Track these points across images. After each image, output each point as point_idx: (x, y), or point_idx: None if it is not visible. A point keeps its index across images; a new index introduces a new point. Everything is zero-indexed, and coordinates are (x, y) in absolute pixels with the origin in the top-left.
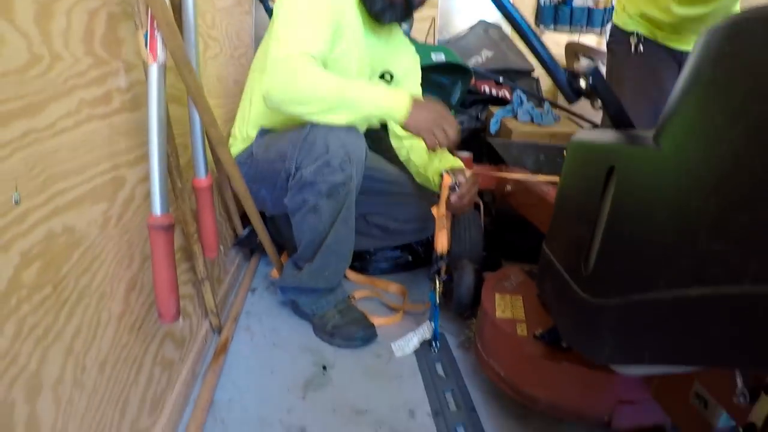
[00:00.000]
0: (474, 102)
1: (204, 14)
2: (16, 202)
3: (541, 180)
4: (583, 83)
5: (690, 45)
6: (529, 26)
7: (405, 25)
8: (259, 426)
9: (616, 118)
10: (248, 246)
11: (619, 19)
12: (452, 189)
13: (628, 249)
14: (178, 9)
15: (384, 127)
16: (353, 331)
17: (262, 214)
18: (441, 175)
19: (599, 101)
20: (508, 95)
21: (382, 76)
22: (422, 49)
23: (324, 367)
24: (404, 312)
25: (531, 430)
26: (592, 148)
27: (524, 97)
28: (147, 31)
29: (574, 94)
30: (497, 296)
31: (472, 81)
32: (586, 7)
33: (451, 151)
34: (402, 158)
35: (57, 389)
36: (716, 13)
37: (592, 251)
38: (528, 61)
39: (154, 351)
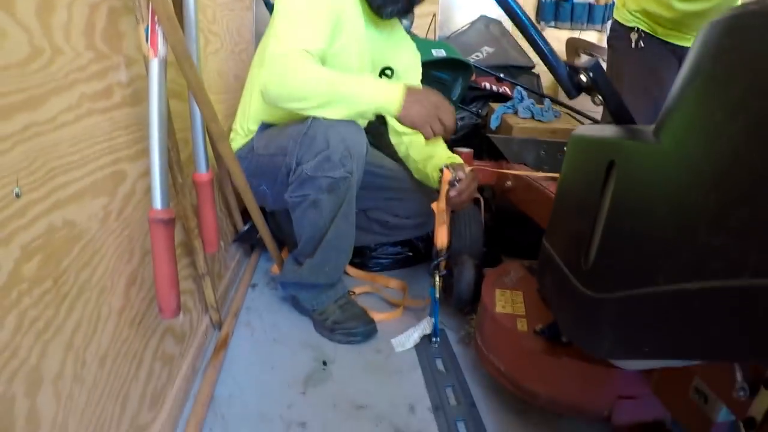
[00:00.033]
0: (474, 98)
1: (205, 9)
2: (17, 196)
3: (541, 176)
4: (583, 78)
5: (691, 41)
6: (530, 21)
7: (405, 21)
8: (259, 421)
9: (617, 113)
10: (249, 241)
11: (620, 14)
12: (452, 184)
13: (628, 243)
14: (178, 4)
15: (385, 122)
16: (353, 327)
17: (263, 210)
18: (441, 171)
19: (600, 96)
20: (508, 91)
21: (383, 72)
22: (423, 44)
23: (324, 363)
24: (404, 308)
25: (531, 425)
26: (593, 143)
27: (525, 94)
28: (148, 26)
29: (574, 88)
30: (497, 292)
31: (473, 77)
32: (587, 3)
33: (451, 148)
34: (401, 154)
35: (57, 384)
36: (718, 8)
37: (592, 246)
38: (529, 58)
39: (154, 346)
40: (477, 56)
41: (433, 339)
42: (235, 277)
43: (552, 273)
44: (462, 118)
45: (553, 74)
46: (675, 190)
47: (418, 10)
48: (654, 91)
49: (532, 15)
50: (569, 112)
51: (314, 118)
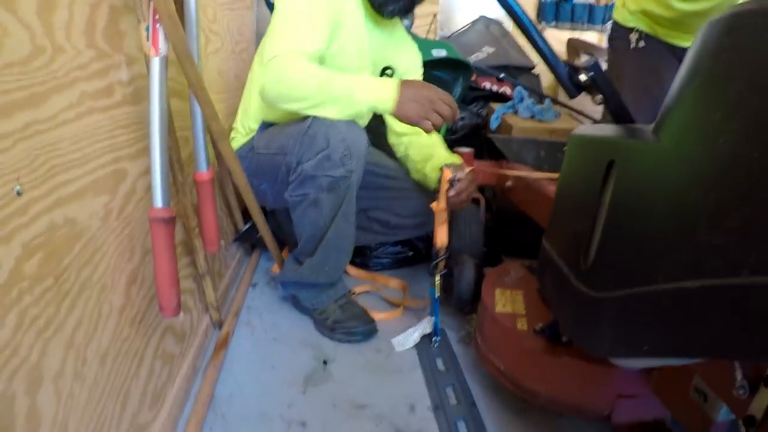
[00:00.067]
0: (475, 98)
1: (205, 8)
2: (18, 193)
3: (541, 177)
4: (583, 77)
5: (691, 41)
6: (530, 21)
7: (406, 21)
8: (259, 420)
9: (616, 113)
10: (249, 241)
11: (620, 15)
12: (451, 184)
13: (627, 242)
14: (179, 3)
15: (384, 122)
16: (354, 326)
17: (263, 209)
18: (441, 170)
19: (599, 96)
20: (509, 91)
21: (384, 72)
22: (423, 44)
23: (324, 362)
24: (404, 307)
25: (531, 425)
26: (592, 143)
27: (525, 94)
28: (149, 24)
29: (574, 88)
30: (497, 291)
31: (473, 77)
32: (588, 3)
33: (452, 148)
34: (400, 155)
35: (58, 382)
36: (718, 8)
37: (591, 245)
38: (529, 58)
39: (154, 345)
40: (477, 56)
41: (434, 338)
42: (235, 277)
43: (552, 272)
44: (462, 118)
45: (553, 74)
46: (674, 189)
47: (418, 10)
48: (654, 90)
49: (532, 15)
50: (569, 112)
51: (314, 117)
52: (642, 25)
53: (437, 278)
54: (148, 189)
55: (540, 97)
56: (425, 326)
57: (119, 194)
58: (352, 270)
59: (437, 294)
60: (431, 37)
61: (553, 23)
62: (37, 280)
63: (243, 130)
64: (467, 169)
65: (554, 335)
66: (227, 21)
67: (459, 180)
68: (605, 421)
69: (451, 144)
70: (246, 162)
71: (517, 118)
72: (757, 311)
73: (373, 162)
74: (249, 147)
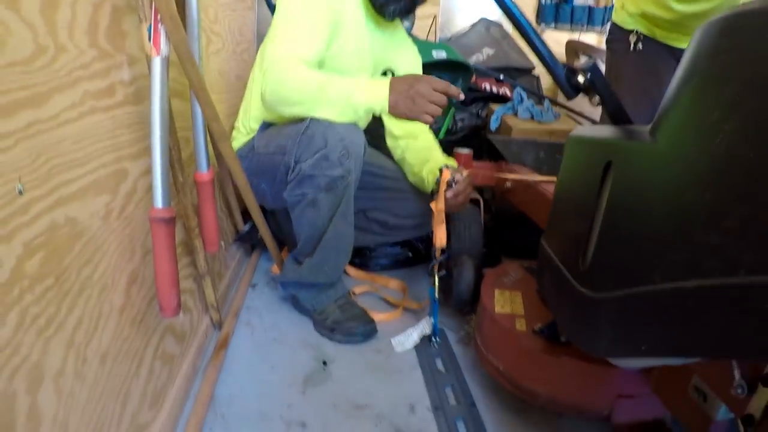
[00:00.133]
0: (475, 99)
1: (207, 9)
2: (20, 193)
3: (540, 179)
4: (581, 79)
5: None
6: (528, 22)
7: (406, 23)
8: (259, 421)
9: (614, 114)
10: (249, 241)
11: (618, 17)
12: (449, 185)
13: (625, 243)
14: (181, 3)
15: (383, 124)
16: (353, 327)
17: (264, 210)
18: (440, 170)
19: (597, 97)
20: (508, 93)
21: (384, 74)
22: (423, 46)
23: (324, 363)
24: (404, 308)
25: (531, 425)
26: (590, 144)
27: (524, 95)
28: (150, 25)
29: (572, 90)
30: (497, 292)
31: (473, 78)
32: (587, 5)
33: (452, 148)
34: (397, 158)
35: (58, 381)
36: (718, 9)
37: (589, 246)
38: (529, 59)
39: (155, 345)
40: (477, 58)
41: (433, 339)
42: (235, 277)
43: (550, 273)
44: (462, 119)
45: (551, 75)
46: (671, 190)
47: (418, 11)
48: (653, 92)
49: (532, 17)
50: (569, 113)
51: (313, 118)
52: (641, 27)
53: (436, 279)
54: (149, 189)
55: (539, 98)
56: (424, 327)
57: (120, 194)
58: (352, 271)
59: (436, 294)
60: (431, 38)
61: (553, 25)
62: (38, 279)
63: (244, 130)
64: (465, 172)
65: (553, 336)
66: (228, 21)
67: (457, 182)
68: (605, 421)
69: (451, 145)
70: (246, 162)
71: (516, 119)
72: (754, 311)
73: (372, 163)
74: (249, 147)
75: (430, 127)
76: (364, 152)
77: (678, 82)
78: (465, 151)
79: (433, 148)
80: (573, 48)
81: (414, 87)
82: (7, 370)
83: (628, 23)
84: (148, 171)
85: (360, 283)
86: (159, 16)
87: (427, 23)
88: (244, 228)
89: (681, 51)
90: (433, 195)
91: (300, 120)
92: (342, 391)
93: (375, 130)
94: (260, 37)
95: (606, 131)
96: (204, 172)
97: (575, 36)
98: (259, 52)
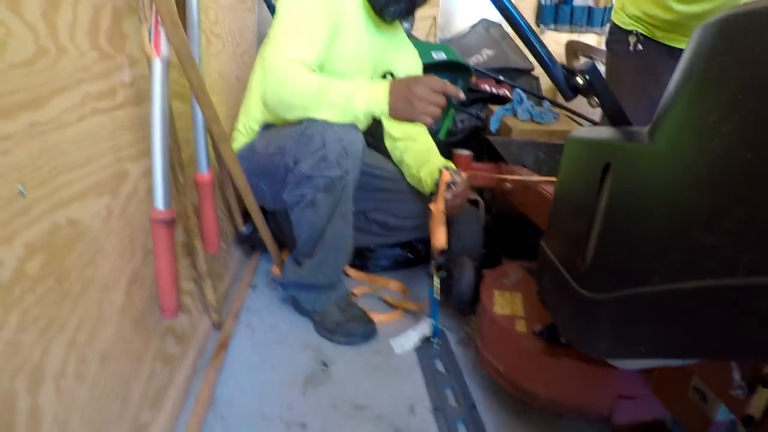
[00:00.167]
0: (474, 100)
1: (207, 10)
2: (21, 194)
3: (539, 180)
4: (579, 80)
5: None
6: (526, 23)
7: (406, 24)
8: (259, 421)
9: (613, 115)
10: (249, 243)
11: (618, 18)
12: (448, 186)
13: (623, 244)
14: (181, 5)
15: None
16: (353, 328)
17: (264, 211)
18: (440, 171)
19: (596, 99)
20: (508, 94)
21: (384, 76)
22: (423, 47)
23: (324, 364)
24: (404, 309)
25: (531, 426)
26: (588, 145)
27: (524, 96)
28: (151, 26)
29: (570, 91)
30: (496, 293)
31: (473, 79)
32: (587, 6)
33: (451, 150)
34: (395, 159)
35: (59, 381)
36: (719, 9)
37: (588, 247)
38: (528, 60)
39: (155, 345)
40: (477, 59)
41: (433, 340)
42: (235, 278)
43: (550, 274)
44: (462, 121)
45: (549, 76)
46: (669, 191)
47: (418, 13)
48: (653, 93)
49: (531, 18)
50: (568, 114)
51: (312, 119)
52: (640, 29)
53: (436, 280)
54: (149, 190)
55: (539, 99)
56: (424, 328)
57: (121, 195)
58: (352, 272)
59: (436, 295)
60: (431, 39)
61: (552, 26)
62: (40, 280)
63: (244, 130)
64: (464, 175)
65: (553, 337)
66: (229, 23)
67: (456, 184)
68: (605, 422)
69: (451, 146)
70: (246, 162)
71: (516, 120)
72: (753, 311)
73: (372, 164)
74: (250, 148)
75: (429, 128)
76: (362, 152)
77: (676, 84)
78: (465, 152)
79: (431, 150)
80: (573, 49)
81: (412, 89)
82: (8, 370)
83: (627, 24)
84: (149, 172)
85: (360, 285)
86: (159, 18)
87: (427, 24)
88: (244, 229)
89: (681, 51)
90: (431, 196)
91: (300, 121)
92: (342, 392)
93: (374, 131)
94: (260, 38)
95: (604, 132)
96: (204, 173)
97: (575, 37)
98: (259, 53)
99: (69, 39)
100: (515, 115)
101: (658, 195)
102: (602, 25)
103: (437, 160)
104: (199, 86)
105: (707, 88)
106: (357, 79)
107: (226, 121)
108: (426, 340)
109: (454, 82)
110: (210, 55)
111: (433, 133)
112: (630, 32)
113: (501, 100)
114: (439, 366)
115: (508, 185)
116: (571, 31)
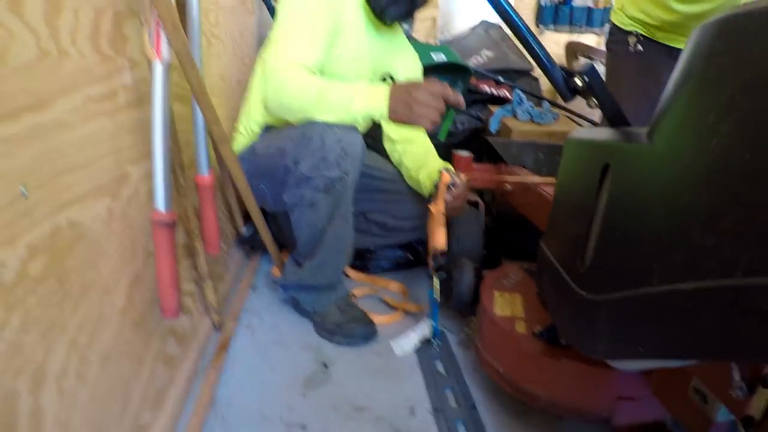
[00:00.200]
0: (474, 101)
1: (207, 13)
2: (24, 196)
3: (539, 182)
4: (578, 81)
5: None
6: (524, 24)
7: (405, 26)
8: (259, 422)
9: (612, 116)
10: (250, 244)
11: (618, 19)
12: (448, 188)
13: (623, 245)
14: (182, 7)
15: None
16: (354, 329)
17: (264, 213)
18: (440, 172)
19: (595, 99)
20: (507, 94)
21: (383, 79)
22: (422, 48)
23: (325, 365)
24: (404, 310)
25: (531, 427)
26: (587, 146)
27: (524, 97)
28: (152, 29)
29: (569, 92)
30: (496, 294)
31: (472, 80)
32: (586, 6)
33: (451, 151)
34: (395, 161)
35: (61, 381)
36: (719, 9)
37: (588, 248)
38: (528, 61)
39: (156, 346)
40: (477, 60)
41: (433, 341)
42: (236, 279)
43: (549, 275)
44: (462, 122)
45: (548, 78)
46: (668, 192)
47: (418, 14)
48: (653, 93)
49: (531, 18)
50: (568, 114)
51: (312, 120)
52: (640, 29)
53: (436, 281)
54: (150, 192)
55: (538, 99)
56: (425, 329)
57: (122, 197)
58: (352, 273)
59: (436, 296)
60: (431, 41)
61: (552, 26)
62: (41, 281)
63: (245, 132)
64: (463, 177)
65: (553, 338)
66: (229, 25)
67: (455, 185)
68: (605, 423)
69: (451, 147)
70: (246, 164)
71: (516, 121)
72: (751, 312)
73: (371, 165)
74: (250, 149)
75: (428, 130)
76: (362, 153)
77: (674, 85)
78: (464, 153)
79: (429, 152)
80: (573, 49)
81: (412, 94)
82: (10, 370)
83: (627, 25)
84: (150, 174)
85: (360, 286)
86: (160, 21)
87: (427, 26)
88: (244, 230)
89: (681, 52)
90: (430, 199)
91: (299, 123)
92: (342, 393)
93: (375, 133)
94: (261, 40)
95: (603, 133)
96: (205, 175)
97: (574, 37)
98: (259, 55)
99: (70, 42)
100: (515, 116)
101: (656, 196)
102: (602, 25)
103: (435, 162)
104: (200, 88)
105: (706, 89)
106: (357, 82)
107: (227, 123)
108: (426, 342)
109: (453, 83)
110: (210, 57)
111: (433, 135)
112: (630, 33)
113: (501, 101)
114: (440, 367)
115: (508, 186)
116: (571, 32)
